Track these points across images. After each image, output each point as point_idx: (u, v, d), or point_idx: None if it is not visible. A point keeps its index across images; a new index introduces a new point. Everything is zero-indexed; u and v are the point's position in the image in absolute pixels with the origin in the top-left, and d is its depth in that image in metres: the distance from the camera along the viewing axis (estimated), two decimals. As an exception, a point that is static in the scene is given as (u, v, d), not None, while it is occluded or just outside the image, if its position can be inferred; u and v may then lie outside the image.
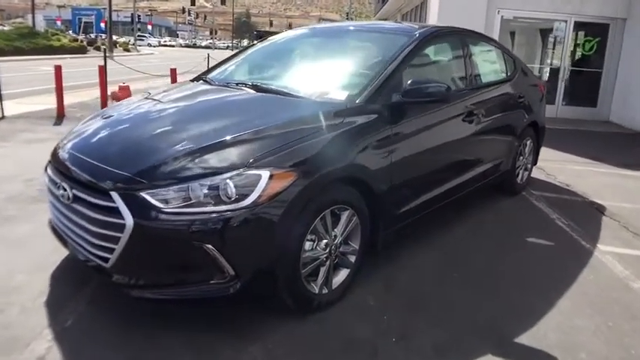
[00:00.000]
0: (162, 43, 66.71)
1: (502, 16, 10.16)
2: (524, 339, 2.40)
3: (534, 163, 5.06)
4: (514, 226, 3.94)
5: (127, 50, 34.79)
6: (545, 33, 11.78)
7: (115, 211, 2.03)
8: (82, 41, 31.69)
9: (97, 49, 30.57)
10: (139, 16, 56.59)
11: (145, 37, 60.84)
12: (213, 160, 2.13)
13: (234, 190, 2.00)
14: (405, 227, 3.02)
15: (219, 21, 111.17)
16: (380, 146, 2.62)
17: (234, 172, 2.04)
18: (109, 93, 8.64)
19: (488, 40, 4.29)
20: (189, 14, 77.66)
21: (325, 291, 2.45)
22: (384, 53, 3.07)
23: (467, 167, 3.62)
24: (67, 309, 2.40)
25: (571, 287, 2.97)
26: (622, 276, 3.18)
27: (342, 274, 2.55)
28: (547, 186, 5.21)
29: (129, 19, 63.88)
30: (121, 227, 2.01)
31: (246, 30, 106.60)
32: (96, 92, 10.46)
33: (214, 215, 1.98)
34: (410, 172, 2.88)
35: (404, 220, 2.96)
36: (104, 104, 8.68)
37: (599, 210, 4.50)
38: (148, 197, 2.01)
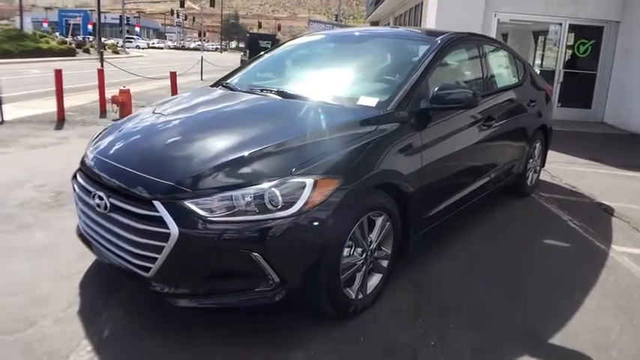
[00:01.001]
0: (150, 45, 66.23)
1: (499, 19, 10.27)
2: (558, 340, 2.44)
3: (542, 165, 5.13)
4: (530, 229, 3.99)
5: (116, 52, 34.44)
6: (539, 35, 11.95)
7: (159, 221, 2.02)
8: (70, 44, 31.34)
9: (86, 51, 30.28)
10: (127, 18, 56.13)
11: (133, 39, 60.40)
12: (256, 168, 2.14)
13: (280, 198, 2.01)
14: (430, 231, 3.05)
15: (208, 23, 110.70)
16: (411, 152, 2.65)
17: (280, 180, 2.05)
18: (108, 96, 8.56)
19: (501, 44, 4.35)
20: (178, 16, 77.18)
21: (361, 296, 2.46)
22: (407, 60, 3.10)
23: (485, 170, 3.67)
24: (102, 318, 2.38)
25: (593, 288, 3.02)
26: (639, 275, 3.24)
27: (375, 279, 2.57)
28: (554, 188, 5.29)
29: (116, 21, 63.34)
30: (165, 236, 2.00)
31: (235, 32, 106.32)
32: (93, 95, 10.39)
33: (261, 223, 1.99)
34: (436, 177, 2.91)
35: (431, 223, 2.99)
36: (103, 108, 8.61)
37: (608, 211, 4.57)
38: (192, 206, 2.01)
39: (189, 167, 2.16)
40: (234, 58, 39.72)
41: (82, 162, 2.57)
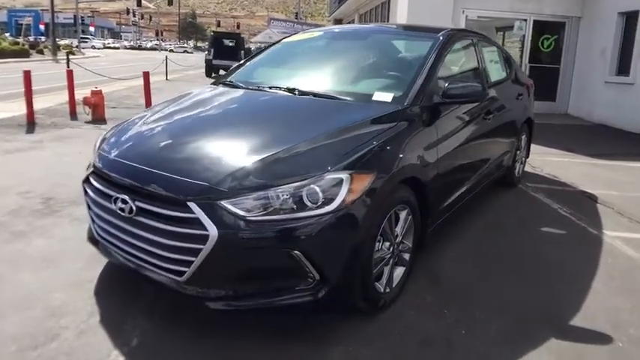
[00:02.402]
0: (106, 45, 64.06)
1: (467, 16, 10.53)
2: (577, 321, 2.55)
3: (527, 156, 5.31)
4: (525, 218, 4.13)
5: (72, 53, 33.15)
6: (501, 31, 12.32)
7: (195, 222, 1.97)
8: (23, 44, 29.94)
9: (40, 52, 29.05)
10: (82, 17, 54.08)
11: (87, 39, 58.24)
12: (291, 165, 2.12)
13: (321, 194, 2.00)
14: (441, 223, 3.10)
15: (164, 22, 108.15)
16: (428, 146, 2.69)
17: (318, 177, 2.04)
18: (77, 98, 8.24)
19: (489, 40, 4.46)
20: (134, 15, 74.97)
21: (388, 290, 2.48)
22: (413, 55, 3.14)
23: (485, 162, 3.76)
24: (127, 327, 2.30)
25: (597, 271, 3.15)
26: (635, 258, 3.41)
27: (399, 272, 2.59)
28: (537, 178, 5.48)
29: (69, 21, 60.97)
30: (202, 238, 1.95)
31: (193, 31, 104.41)
32: (58, 97, 10.00)
33: (302, 221, 1.97)
34: (448, 169, 2.97)
35: (443, 215, 3.05)
36: (73, 110, 8.28)
37: (592, 198, 4.78)
38: (229, 206, 1.97)
39: (222, 166, 2.11)
40: (194, 58, 39.14)
41: (96, 164, 2.46)
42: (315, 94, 2.88)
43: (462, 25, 10.45)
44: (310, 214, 1.98)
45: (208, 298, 2.06)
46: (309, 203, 1.99)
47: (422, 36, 3.47)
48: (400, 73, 3.03)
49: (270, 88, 3.07)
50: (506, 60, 4.57)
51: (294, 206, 1.99)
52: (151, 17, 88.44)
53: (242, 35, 23.70)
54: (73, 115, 8.20)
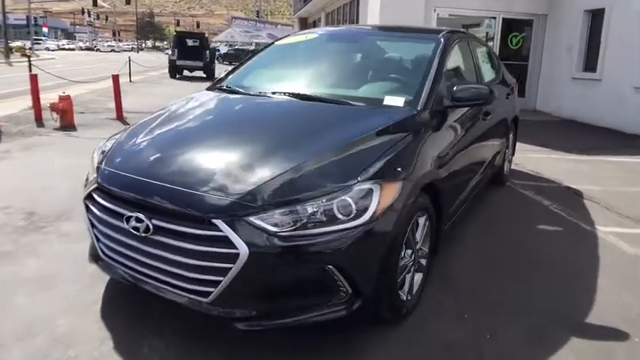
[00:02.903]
0: (60, 46, 61.55)
1: (438, 14, 10.67)
2: (591, 319, 2.58)
3: (512, 154, 5.39)
4: (520, 216, 4.18)
5: (26, 56, 31.72)
6: (468, 28, 12.55)
7: (223, 241, 1.86)
8: (-29, 47, 28.40)
9: (-9, 55, 27.61)
10: (34, 18, 51.81)
11: (41, 40, 55.86)
12: (318, 176, 2.04)
13: (353, 206, 1.93)
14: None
15: (120, 22, 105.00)
16: (440, 150, 2.66)
17: (347, 188, 1.97)
18: (43, 103, 7.84)
19: (480, 40, 4.49)
20: (89, 15, 72.22)
21: (409, 297, 2.44)
22: (418, 58, 3.11)
23: (484, 162, 3.79)
24: (144, 350, 2.17)
25: (599, 267, 3.22)
26: (632, 253, 3.50)
27: (418, 279, 2.56)
28: (522, 175, 5.58)
29: (21, 22, 58.31)
30: (232, 257, 1.85)
31: (151, 30, 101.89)
32: (21, 103, 9.50)
33: (335, 234, 1.90)
34: (456, 172, 2.95)
35: (451, 219, 3.03)
36: (39, 116, 7.88)
37: (577, 194, 4.90)
38: (259, 222, 1.87)
39: (247, 180, 2.01)
40: (154, 59, 38.25)
41: (101, 180, 2.30)
42: (324, 100, 2.80)
43: (434, 24, 10.58)
44: (343, 227, 1.90)
45: (236, 319, 1.96)
46: (340, 216, 1.92)
47: (421, 38, 3.45)
48: (407, 76, 3.00)
49: (274, 93, 2.97)
50: (495, 59, 4.62)
51: (325, 219, 1.91)
52: (107, 17, 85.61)
53: (206, 35, 23.20)
54: (39, 121, 7.80)
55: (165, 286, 2.06)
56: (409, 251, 2.36)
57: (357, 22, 13.79)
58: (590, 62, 9.78)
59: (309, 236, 1.89)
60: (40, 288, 2.66)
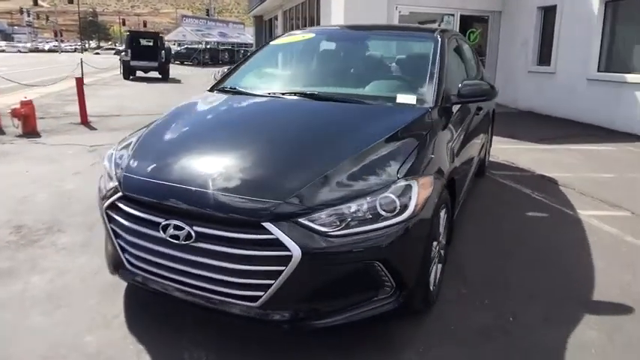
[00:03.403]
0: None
1: (400, 12, 10.89)
2: (598, 297, 2.77)
3: (490, 145, 5.62)
4: (508, 204, 4.38)
5: (-40, 59, 29.74)
6: (423, 24, 12.90)
7: (273, 244, 1.86)
8: None
9: None
10: (-33, 18, 48.41)
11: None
12: (359, 176, 2.08)
13: (397, 202, 1.98)
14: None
15: (61, 21, 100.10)
16: (453, 144, 2.76)
17: (389, 186, 2.02)
18: (3, 109, 7.42)
19: (463, 38, 4.65)
20: (28, 15, 68.25)
21: (435, 287, 2.52)
22: (420, 56, 3.19)
23: (476, 155, 3.94)
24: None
25: (590, 249, 3.43)
26: (614, 233, 3.75)
27: (438, 269, 2.64)
28: (498, 166, 5.83)
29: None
30: (284, 259, 1.85)
31: (94, 30, 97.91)
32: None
33: (381, 231, 1.94)
34: (462, 165, 3.07)
35: (456, 210, 3.14)
36: (-4, 122, 7.44)
37: (552, 181, 5.18)
38: (309, 223, 1.89)
39: (290, 182, 2.02)
40: (101, 60, 36.92)
41: (127, 188, 2.21)
42: (338, 99, 2.84)
43: (395, 21, 10.80)
44: (389, 224, 1.95)
45: (287, 321, 1.96)
46: (383, 212, 1.97)
47: (419, 36, 3.54)
48: (413, 74, 3.08)
49: (284, 94, 2.97)
50: (476, 55, 4.80)
51: (370, 217, 1.95)
52: (47, 17, 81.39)
53: (161, 34, 22.57)
54: (-1, 129, 7.38)
55: (206, 294, 2.03)
56: (435, 243, 2.44)
57: (318, 21, 13.83)
58: (544, 56, 10.29)
59: (356, 234, 1.92)
60: (53, 305, 2.55)
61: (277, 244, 1.86)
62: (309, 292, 1.96)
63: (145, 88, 15.95)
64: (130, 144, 2.57)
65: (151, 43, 20.68)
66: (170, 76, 20.38)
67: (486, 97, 2.98)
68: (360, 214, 1.95)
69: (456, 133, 2.96)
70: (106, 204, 2.27)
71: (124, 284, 2.68)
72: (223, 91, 3.23)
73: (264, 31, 25.09)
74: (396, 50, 3.46)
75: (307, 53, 3.62)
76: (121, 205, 2.21)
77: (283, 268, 1.86)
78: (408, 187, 2.04)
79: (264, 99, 3.00)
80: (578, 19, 9.21)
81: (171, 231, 1.99)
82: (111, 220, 2.26)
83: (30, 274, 2.88)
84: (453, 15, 11.30)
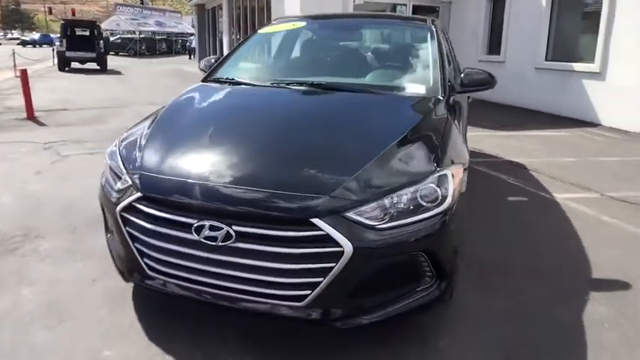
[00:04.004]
0: None
1: (354, 1, 10.91)
2: (597, 274, 2.92)
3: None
4: (489, 189, 4.53)
5: None
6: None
7: (323, 240, 1.80)
8: None
9: None
10: None
11: None
12: (400, 166, 2.06)
13: (439, 192, 1.97)
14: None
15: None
16: (461, 132, 2.80)
17: (429, 176, 2.00)
18: None
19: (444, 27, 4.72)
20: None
21: (455, 274, 2.55)
22: (420, 45, 3.20)
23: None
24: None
25: (573, 230, 3.61)
26: (592, 214, 3.97)
27: (454, 257, 2.68)
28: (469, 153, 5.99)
29: None
30: (335, 256, 1.79)
31: (18, 19, 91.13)
32: None
33: (426, 221, 1.92)
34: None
35: None
36: None
37: (521, 166, 5.41)
38: (357, 217, 1.84)
39: (334, 176, 1.96)
40: (27, 51, 34.63)
41: (147, 188, 2.04)
42: (348, 89, 2.80)
43: (350, 9, 10.82)
44: (432, 214, 1.94)
45: (336, 319, 1.91)
46: (425, 203, 1.95)
47: (414, 25, 3.54)
48: (416, 63, 3.08)
49: (290, 84, 2.90)
50: (451, 44, 4.88)
51: (413, 208, 1.93)
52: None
53: (98, 23, 21.33)
54: None
55: (244, 296, 1.93)
56: (456, 230, 2.47)
57: (269, 9, 13.56)
58: (494, 46, 10.69)
59: (402, 226, 1.89)
60: (56, 319, 2.33)
61: (327, 240, 1.80)
62: (357, 288, 1.91)
63: (85, 80, 15.08)
64: (135, 140, 2.39)
65: (87, 33, 19.58)
66: (108, 67, 19.39)
67: (487, 85, 3.03)
68: (403, 206, 1.92)
69: (461, 120, 3.00)
70: (121, 206, 2.10)
71: (129, 290, 2.53)
72: (220, 81, 3.08)
73: (207, 20, 24.27)
74: (394, 39, 3.44)
75: (303, 42, 3.53)
76: (141, 207, 2.04)
77: (333, 264, 1.80)
78: (445, 177, 2.04)
79: (273, 89, 2.90)
80: (526, 10, 9.62)
81: (206, 232, 1.87)
82: (127, 223, 2.09)
83: (18, 286, 2.63)
84: (405, 5, 11.48)
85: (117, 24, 41.44)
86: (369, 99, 2.71)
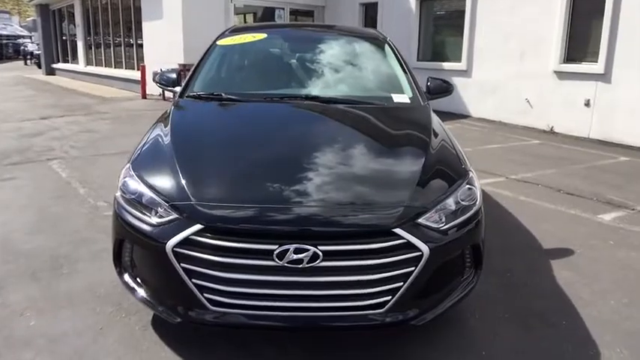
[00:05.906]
0: None
1: (235, 5, 10.88)
2: (546, 245, 3.48)
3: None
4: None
5: None
6: (248, 14, 13.12)
7: (404, 247, 1.95)
8: None
9: None
10: None
11: None
12: (442, 171, 2.30)
13: (477, 192, 2.25)
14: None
15: None
16: None
17: (466, 178, 2.28)
18: None
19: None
20: None
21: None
22: (381, 57, 3.45)
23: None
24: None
25: (511, 211, 4.21)
26: (511, 196, 4.67)
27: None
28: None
29: None
30: (414, 260, 1.96)
31: None
32: None
33: (472, 219, 2.19)
34: None
35: None
36: None
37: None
38: (426, 222, 2.03)
39: (398, 186, 2.16)
40: None
41: (211, 219, 1.96)
42: (339, 102, 2.94)
43: (231, 13, 10.77)
44: (474, 212, 2.21)
45: (411, 318, 2.06)
46: (466, 202, 2.21)
47: (369, 35, 3.79)
48: (386, 74, 3.31)
49: (284, 98, 2.99)
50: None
51: (458, 208, 2.18)
52: None
53: None
54: None
55: (329, 313, 1.99)
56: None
57: (139, 10, 12.49)
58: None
59: (457, 226, 2.13)
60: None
61: (408, 246, 1.96)
62: (426, 287, 2.09)
63: None
64: (161, 169, 2.22)
65: None
66: None
67: (447, 92, 3.40)
68: (453, 207, 2.16)
69: None
70: (174, 241, 1.96)
71: (148, 329, 2.36)
72: (200, 98, 3.00)
73: (54, 23, 21.39)
74: (356, 51, 3.59)
75: (275, 55, 3.54)
76: (202, 239, 1.95)
77: (413, 268, 1.97)
78: (473, 177, 2.35)
79: (279, 104, 2.95)
80: (398, 15, 10.55)
81: (291, 256, 1.88)
82: (181, 258, 1.97)
83: (16, 353, 2.25)
84: (283, 8, 11.77)
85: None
86: (376, 110, 2.90)
